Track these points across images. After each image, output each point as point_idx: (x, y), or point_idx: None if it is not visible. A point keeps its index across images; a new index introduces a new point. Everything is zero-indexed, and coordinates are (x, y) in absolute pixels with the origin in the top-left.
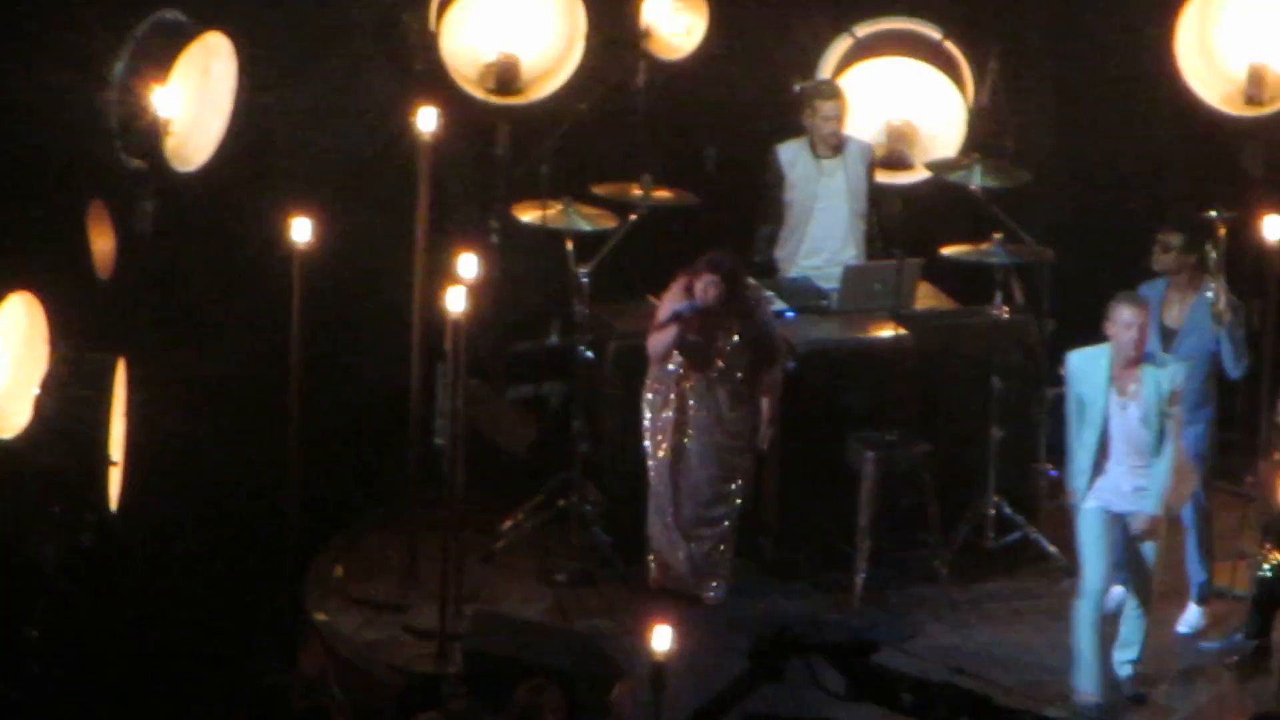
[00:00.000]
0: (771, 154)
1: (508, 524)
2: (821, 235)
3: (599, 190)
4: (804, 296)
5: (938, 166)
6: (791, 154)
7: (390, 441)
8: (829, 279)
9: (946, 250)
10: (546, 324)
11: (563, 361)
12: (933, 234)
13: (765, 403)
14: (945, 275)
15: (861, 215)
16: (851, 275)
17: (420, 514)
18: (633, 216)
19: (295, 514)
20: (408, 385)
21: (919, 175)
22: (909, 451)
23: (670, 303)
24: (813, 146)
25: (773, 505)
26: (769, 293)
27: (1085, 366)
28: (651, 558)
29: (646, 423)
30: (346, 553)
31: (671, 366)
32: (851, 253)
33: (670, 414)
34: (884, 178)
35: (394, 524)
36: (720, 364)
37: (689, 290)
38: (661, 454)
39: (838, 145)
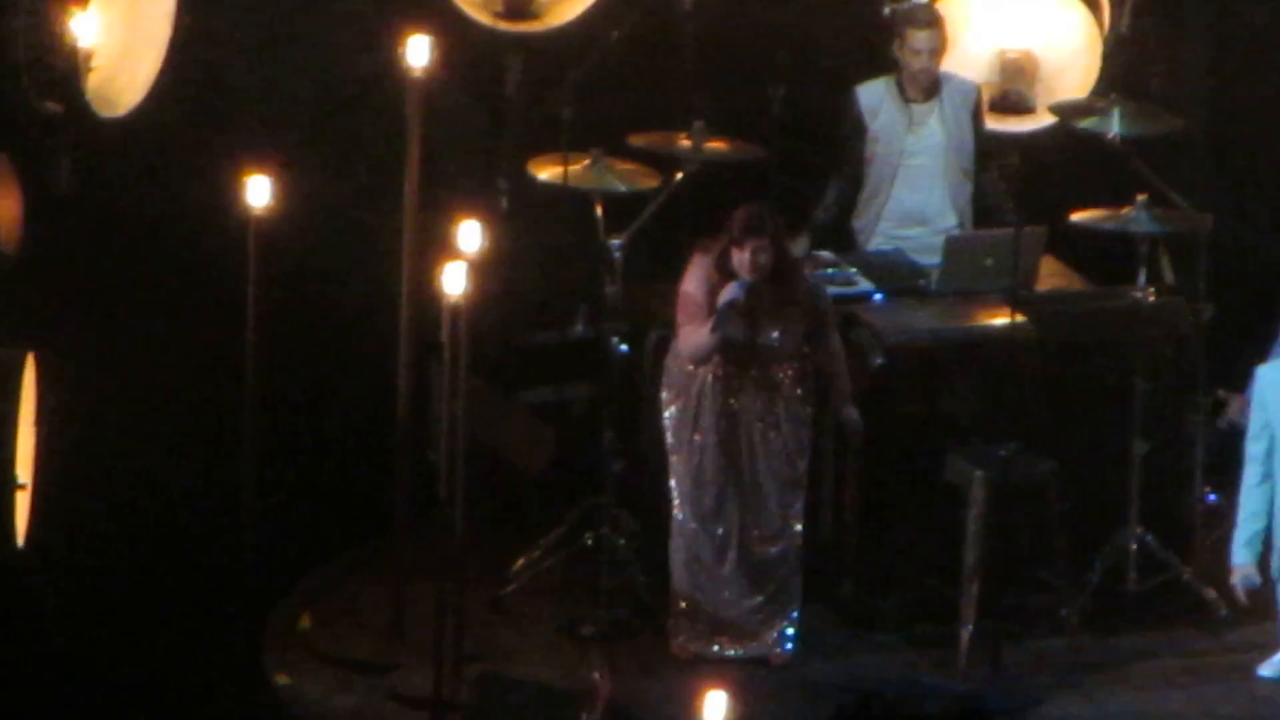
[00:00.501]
0: (849, 97)
1: (521, 563)
2: (911, 200)
3: (636, 141)
4: (896, 274)
5: (1065, 110)
6: (874, 97)
7: (372, 459)
8: (925, 253)
9: (1077, 216)
10: (570, 310)
11: (590, 357)
12: (1059, 196)
13: (836, 380)
14: (1075, 248)
15: (966, 173)
16: (956, 249)
17: (410, 550)
18: (679, 175)
19: (252, 549)
20: (394, 388)
21: (1041, 121)
22: (1029, 470)
23: (698, 287)
24: (901, 88)
25: (854, 537)
26: (851, 269)
27: None
28: (674, 619)
29: (670, 436)
30: (316, 599)
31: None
32: (952, 222)
33: (707, 419)
34: (996, 125)
35: (376, 563)
36: (770, 350)
37: (723, 268)
38: (694, 470)
39: (932, 86)
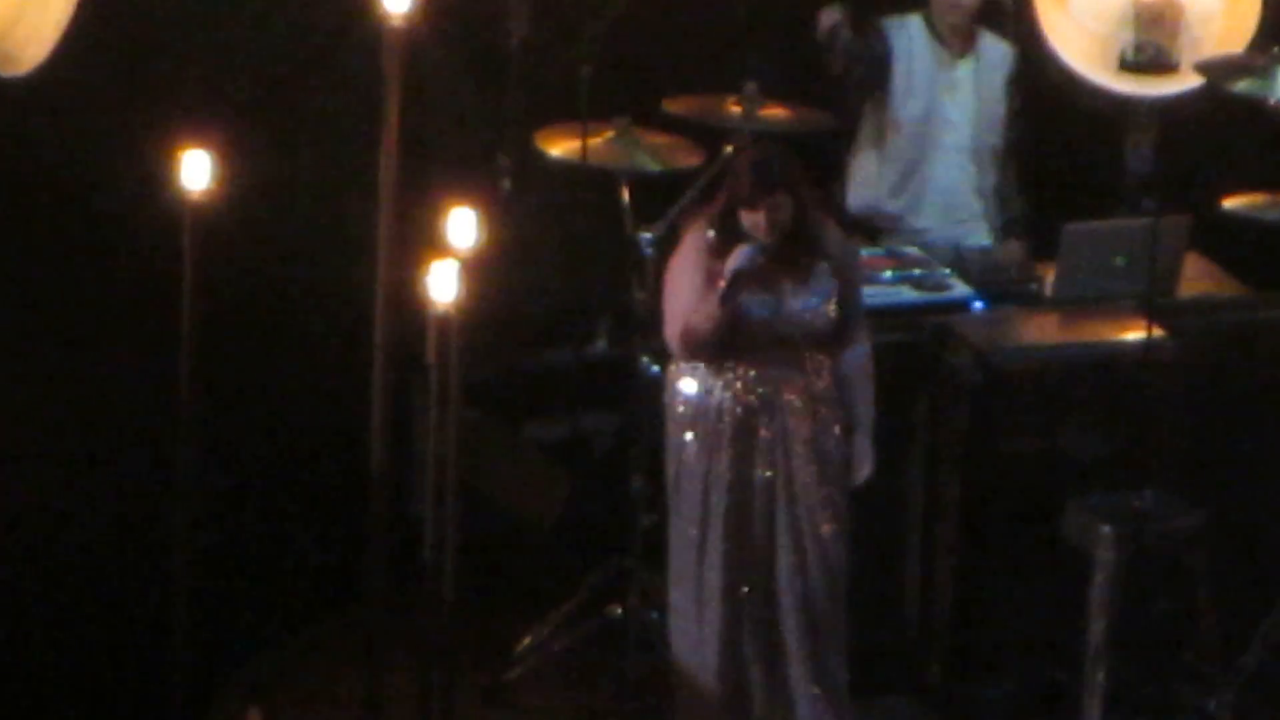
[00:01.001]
0: (876, 28)
1: (527, 642)
2: (939, 183)
3: (673, 107)
4: (1000, 276)
5: (1215, 69)
6: (907, 39)
7: (338, 510)
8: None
9: (1229, 203)
10: (589, 322)
11: (614, 382)
12: (1208, 177)
13: (859, 404)
14: (1228, 242)
15: (996, 155)
16: (1077, 242)
17: (387, 625)
18: (729, 149)
19: (186, 625)
20: (366, 420)
21: (1185, 83)
22: (1170, 524)
23: (693, 265)
24: (938, 35)
25: (946, 610)
26: (944, 269)
27: None
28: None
29: (672, 472)
30: (269, 688)
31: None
32: (965, 215)
33: (725, 452)
34: (1132, 87)
35: (345, 641)
36: (798, 323)
37: (726, 237)
38: (701, 517)
39: (969, 38)
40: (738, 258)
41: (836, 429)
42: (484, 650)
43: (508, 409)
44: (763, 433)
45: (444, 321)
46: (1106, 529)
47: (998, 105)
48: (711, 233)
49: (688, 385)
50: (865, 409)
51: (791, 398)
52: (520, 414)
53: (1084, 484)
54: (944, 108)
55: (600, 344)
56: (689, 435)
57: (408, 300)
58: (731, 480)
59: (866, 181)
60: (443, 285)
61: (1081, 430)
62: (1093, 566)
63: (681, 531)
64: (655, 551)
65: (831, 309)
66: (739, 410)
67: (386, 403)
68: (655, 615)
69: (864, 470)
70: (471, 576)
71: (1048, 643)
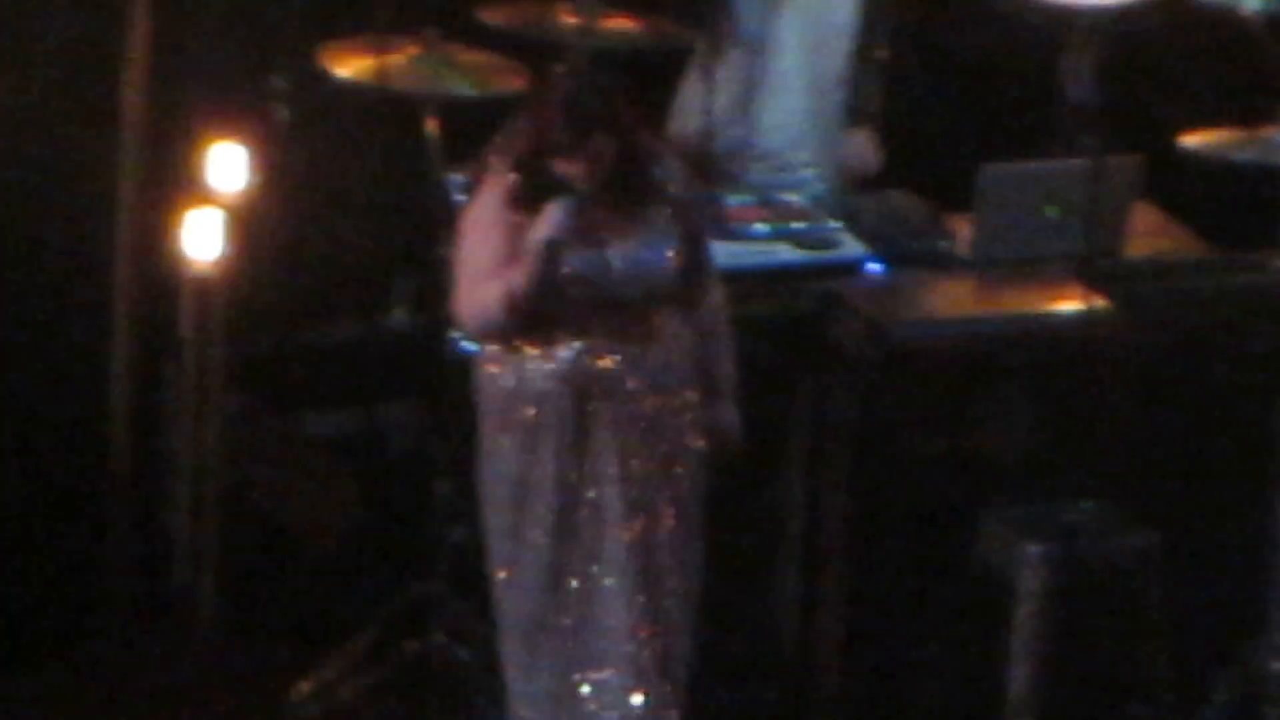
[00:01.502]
0: None
1: (305, 688)
2: (768, 117)
3: (492, 17)
4: (903, 231)
5: None
6: None
7: (72, 521)
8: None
9: (1190, 140)
10: (385, 287)
11: (416, 362)
12: (1163, 109)
13: (717, 365)
14: (1187, 190)
15: (839, 77)
16: (997, 187)
17: (128, 666)
18: (560, 70)
19: None
20: (107, 410)
21: None
22: (1112, 543)
23: (489, 224)
24: None
25: (830, 652)
26: (831, 222)
27: None
28: None
29: (488, 487)
30: None
31: (540, 362)
32: (808, 152)
33: (550, 459)
34: None
35: (79, 684)
36: (637, 279)
37: (536, 185)
38: (528, 551)
39: None
40: (549, 222)
41: (688, 414)
42: (250, 698)
43: (283, 395)
44: (594, 421)
45: (204, 285)
46: (1033, 549)
47: (844, 15)
48: (515, 179)
49: (498, 367)
50: (726, 371)
51: (630, 374)
52: (299, 402)
53: (1005, 493)
54: (777, 26)
55: (399, 314)
56: (501, 430)
57: (159, 259)
58: (555, 485)
59: (689, 111)
60: (202, 240)
61: (1002, 425)
62: (1015, 596)
63: (495, 549)
64: (467, 574)
65: (675, 259)
66: (563, 396)
67: (130, 387)
68: (466, 654)
69: (730, 438)
70: (236, 604)
71: (958, 693)
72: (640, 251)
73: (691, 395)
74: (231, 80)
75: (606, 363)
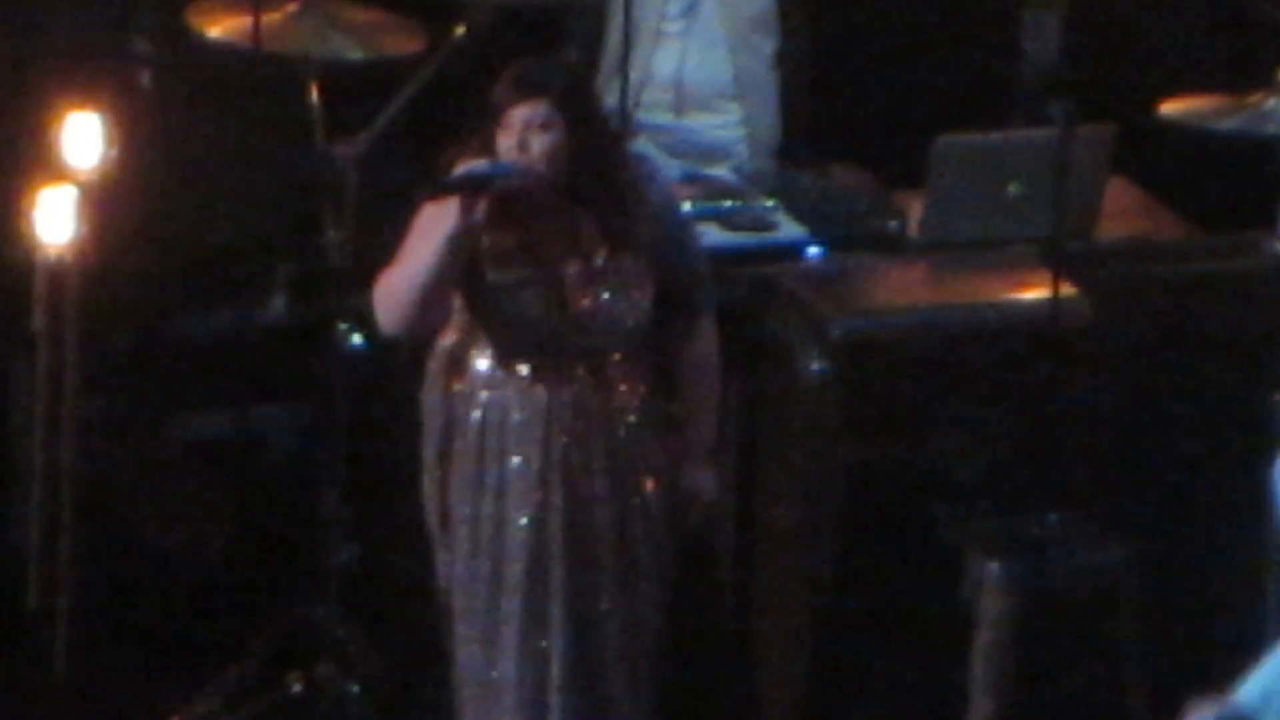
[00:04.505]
0: None
1: None
2: (668, 72)
3: None
4: (848, 210)
5: None
6: None
7: None
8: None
9: (1169, 107)
10: (262, 273)
11: (298, 357)
12: (1140, 71)
13: (696, 422)
14: (1167, 164)
15: (759, 25)
16: (952, 161)
17: None
18: (461, 30)
19: None
20: None
21: None
22: (1084, 560)
23: (440, 215)
24: None
25: (771, 684)
26: (766, 201)
27: None
28: None
29: (431, 505)
30: None
31: (484, 365)
32: (733, 114)
33: (493, 474)
34: None
35: None
36: (585, 328)
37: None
38: (472, 574)
39: None
40: (476, 166)
41: (649, 483)
42: None
43: (147, 396)
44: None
45: (57, 272)
46: (994, 566)
47: None
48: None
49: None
50: (705, 428)
51: (587, 439)
52: (165, 403)
53: (962, 504)
54: None
55: (278, 303)
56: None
57: (6, 242)
58: (492, 531)
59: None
60: (55, 221)
61: (960, 429)
62: (975, 619)
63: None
64: (357, 597)
65: (636, 305)
66: (503, 427)
67: None
68: (355, 689)
69: (698, 508)
70: (96, 631)
71: (923, 716)
72: (604, 291)
73: (652, 472)
74: (86, 42)
75: (554, 416)
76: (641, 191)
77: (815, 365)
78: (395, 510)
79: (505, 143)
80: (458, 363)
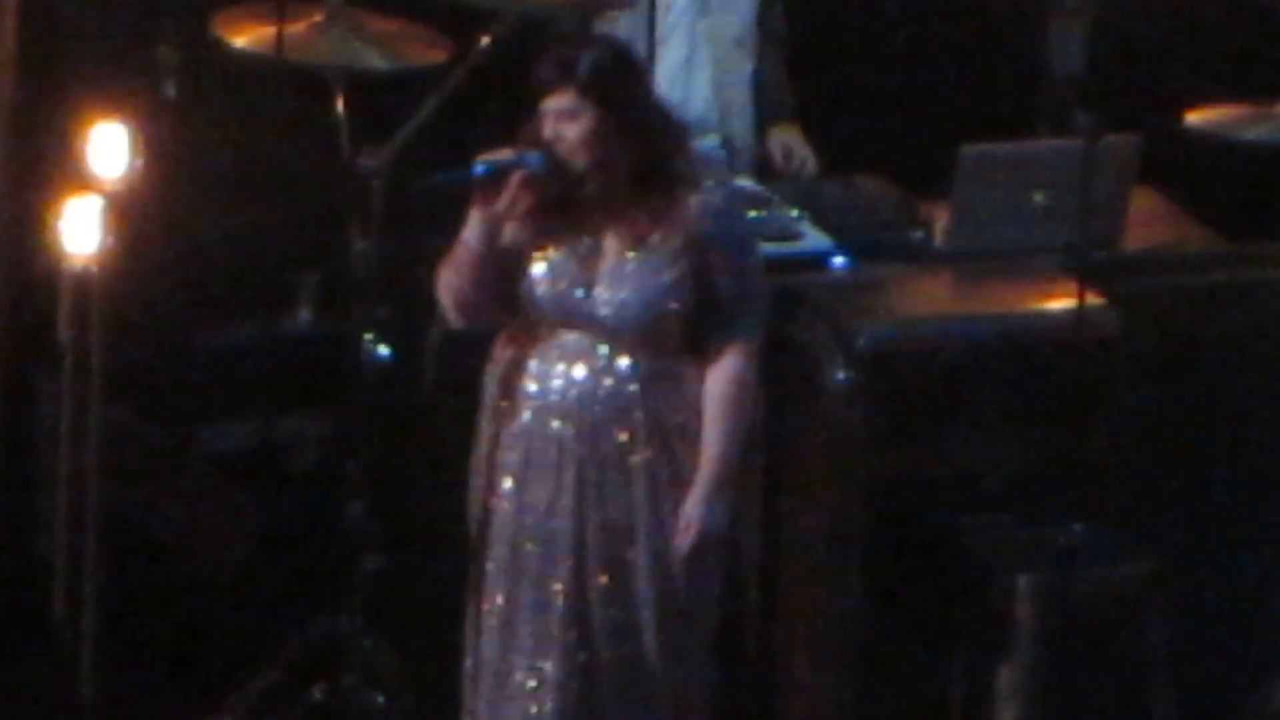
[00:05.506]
0: None
1: None
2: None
3: None
4: (872, 219)
5: None
6: None
7: None
8: None
9: (1195, 118)
10: (288, 284)
11: (322, 369)
12: (1166, 83)
13: (707, 449)
14: (1194, 174)
15: (740, 47)
16: (978, 171)
17: (5, 704)
18: (485, 40)
19: None
20: None
21: None
22: (1112, 571)
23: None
24: None
25: (793, 698)
26: (792, 210)
27: None
28: None
29: (475, 501)
30: None
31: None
32: (711, 139)
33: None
34: None
35: None
36: (599, 329)
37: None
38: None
39: None
40: (502, 157)
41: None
42: None
43: (172, 407)
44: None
45: (83, 282)
46: (1021, 578)
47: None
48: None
49: (492, 371)
50: (712, 461)
51: (610, 428)
52: (190, 414)
53: (989, 515)
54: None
55: (303, 314)
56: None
57: (32, 253)
58: (514, 528)
59: None
60: (81, 231)
61: (986, 439)
62: (1003, 631)
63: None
64: (383, 607)
65: (669, 304)
66: (532, 422)
67: (0, 397)
68: (381, 700)
69: (687, 537)
70: (121, 641)
71: None
72: (623, 294)
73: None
74: (112, 52)
75: (571, 399)
76: (694, 181)
77: (841, 375)
78: (420, 521)
79: (545, 130)
80: (514, 362)
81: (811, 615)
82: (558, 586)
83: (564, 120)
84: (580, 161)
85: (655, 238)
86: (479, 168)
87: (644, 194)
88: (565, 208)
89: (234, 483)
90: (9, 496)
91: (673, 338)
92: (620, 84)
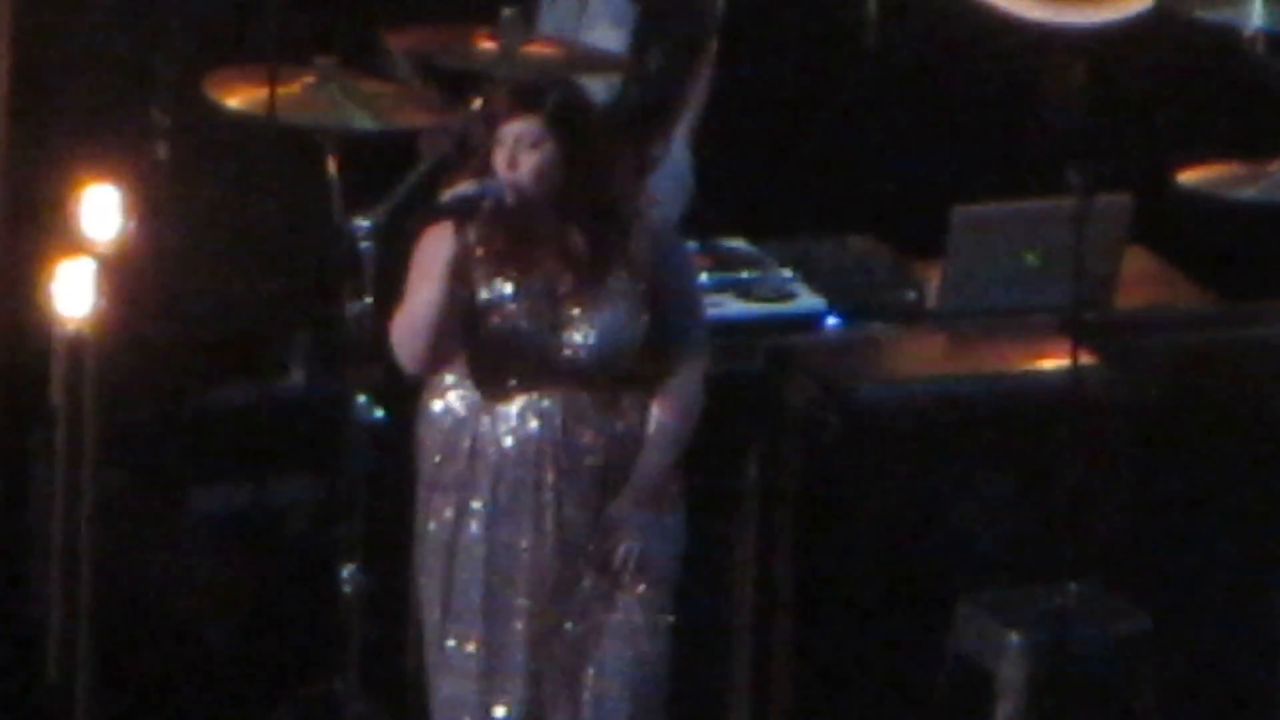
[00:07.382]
0: None
1: None
2: None
3: (399, 42)
4: (864, 281)
5: None
6: None
7: None
8: None
9: (1188, 177)
10: (281, 345)
11: (316, 431)
12: (1158, 141)
13: (645, 455)
14: (1186, 233)
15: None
16: (970, 231)
17: None
18: (476, 103)
19: None
20: None
21: (1126, 6)
22: (1103, 631)
23: (441, 240)
24: None
25: None
26: (784, 271)
27: None
28: None
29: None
30: None
31: (469, 392)
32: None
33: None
34: (1050, 13)
35: None
36: (569, 364)
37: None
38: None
39: None
40: (466, 189)
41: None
42: None
43: (165, 469)
44: (534, 484)
45: (76, 345)
46: (1014, 638)
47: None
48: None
49: (437, 407)
50: (646, 469)
51: (585, 442)
52: (183, 477)
53: (982, 574)
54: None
55: (296, 376)
56: (433, 486)
57: (24, 316)
58: (486, 553)
59: None
60: (74, 294)
61: (980, 499)
62: (994, 689)
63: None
64: (377, 670)
65: (634, 344)
66: (496, 451)
67: None
68: None
69: (620, 543)
70: (114, 705)
71: None
72: (583, 329)
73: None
74: (104, 114)
75: (548, 426)
76: (642, 213)
77: (834, 435)
78: (414, 583)
79: (499, 157)
80: (449, 390)
81: (804, 673)
82: (519, 625)
83: (524, 147)
84: (535, 190)
85: (615, 280)
86: (447, 202)
87: (601, 233)
88: (519, 245)
89: (227, 545)
90: (2, 560)
91: (628, 362)
92: (583, 120)
